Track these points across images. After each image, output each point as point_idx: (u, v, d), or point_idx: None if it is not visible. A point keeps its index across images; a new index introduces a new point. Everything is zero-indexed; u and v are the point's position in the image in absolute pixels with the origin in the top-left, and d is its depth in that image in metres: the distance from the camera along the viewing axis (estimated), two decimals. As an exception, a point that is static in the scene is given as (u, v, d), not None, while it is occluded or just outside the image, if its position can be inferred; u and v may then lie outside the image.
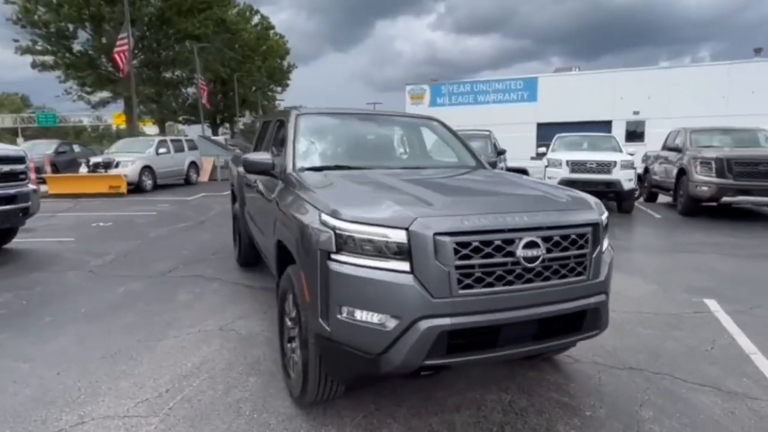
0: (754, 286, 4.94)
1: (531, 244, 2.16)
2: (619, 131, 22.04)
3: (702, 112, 20.13)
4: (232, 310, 4.13)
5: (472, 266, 2.09)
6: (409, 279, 2.05)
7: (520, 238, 2.15)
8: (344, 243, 2.14)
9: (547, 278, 2.23)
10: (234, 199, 5.80)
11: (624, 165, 9.41)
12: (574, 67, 30.34)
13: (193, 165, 16.52)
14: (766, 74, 21.45)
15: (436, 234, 2.05)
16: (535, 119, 25.08)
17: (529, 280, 2.19)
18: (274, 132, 4.21)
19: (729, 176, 8.49)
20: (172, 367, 3.08)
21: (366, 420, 2.53)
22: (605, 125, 22.81)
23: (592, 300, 2.36)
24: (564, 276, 2.27)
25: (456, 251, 2.06)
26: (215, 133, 42.18)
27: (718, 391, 2.85)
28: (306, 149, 3.39)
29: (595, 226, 2.39)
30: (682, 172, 9.50)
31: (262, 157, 3.33)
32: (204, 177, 18.13)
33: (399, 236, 2.07)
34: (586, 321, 2.39)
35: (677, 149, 10.17)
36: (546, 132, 23.76)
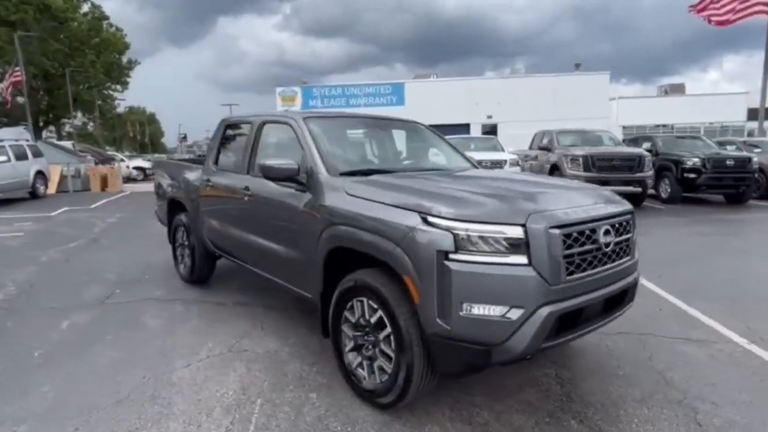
0: (649, 258, 6.08)
1: (607, 232, 2.50)
2: (476, 133, 24.50)
3: (541, 116, 23.51)
4: (223, 331, 3.78)
5: (573, 254, 2.35)
6: (529, 271, 2.22)
7: (600, 227, 2.48)
8: (462, 242, 2.22)
9: (614, 260, 2.60)
10: (174, 211, 5.22)
11: (512, 163, 10.69)
12: (432, 74, 32.89)
13: (40, 175, 13.99)
14: (584, 85, 25.91)
15: (549, 227, 2.26)
16: (403, 122, 26.55)
17: (605, 263, 2.53)
18: (256, 137, 3.92)
19: (593, 170, 10.21)
20: (215, 399, 2.76)
21: (455, 413, 2.63)
22: (464, 128, 25.21)
23: (634, 277, 2.81)
24: (621, 257, 2.67)
25: (564, 242, 2.30)
26: (38, 137, 35.87)
27: (690, 341, 3.57)
28: (332, 154, 3.29)
29: (632, 214, 2.84)
30: (554, 167, 11.12)
31: (286, 162, 3.14)
32: (52, 188, 15.50)
33: (516, 232, 2.23)
34: (628, 295, 2.82)
35: (547, 148, 11.85)
36: (414, 134, 25.30)
